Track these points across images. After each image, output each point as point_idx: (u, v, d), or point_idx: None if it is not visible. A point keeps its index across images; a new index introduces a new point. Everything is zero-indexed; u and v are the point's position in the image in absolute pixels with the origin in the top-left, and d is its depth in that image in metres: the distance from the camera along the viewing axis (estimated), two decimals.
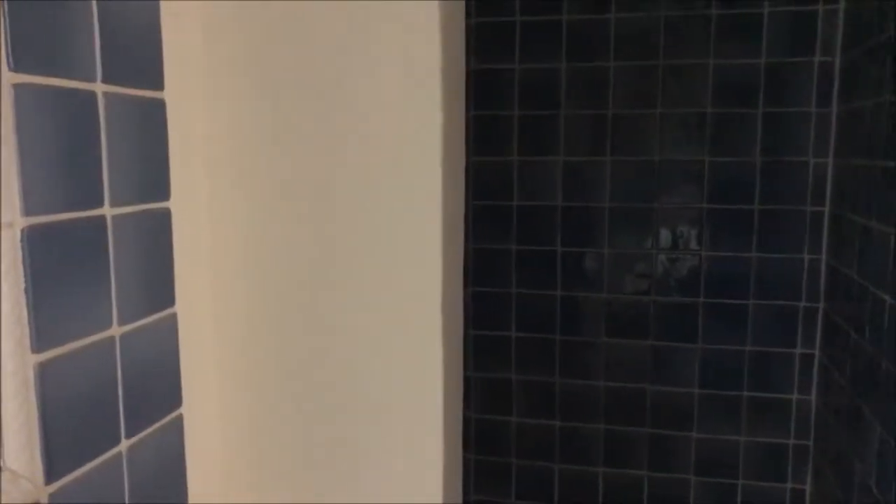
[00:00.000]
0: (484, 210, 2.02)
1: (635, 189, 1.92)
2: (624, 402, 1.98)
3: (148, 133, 0.72)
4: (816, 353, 1.86)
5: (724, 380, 1.92)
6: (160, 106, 0.74)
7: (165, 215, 0.76)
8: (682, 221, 1.91)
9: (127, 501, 0.69)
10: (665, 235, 1.92)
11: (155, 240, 0.74)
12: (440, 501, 0.87)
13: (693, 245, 1.90)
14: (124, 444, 0.69)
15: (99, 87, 0.65)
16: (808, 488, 1.90)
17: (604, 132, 1.92)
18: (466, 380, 2.07)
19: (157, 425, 0.74)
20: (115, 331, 0.68)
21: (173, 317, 0.77)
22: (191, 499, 0.82)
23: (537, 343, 2.02)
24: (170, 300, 0.77)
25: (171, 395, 0.77)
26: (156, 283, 0.74)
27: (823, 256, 1.83)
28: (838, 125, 1.78)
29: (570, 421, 2.02)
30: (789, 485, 1.92)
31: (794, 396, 1.89)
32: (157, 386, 0.74)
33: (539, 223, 1.99)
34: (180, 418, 0.79)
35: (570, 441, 2.03)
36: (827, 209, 1.82)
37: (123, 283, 0.69)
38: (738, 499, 1.94)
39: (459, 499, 0.98)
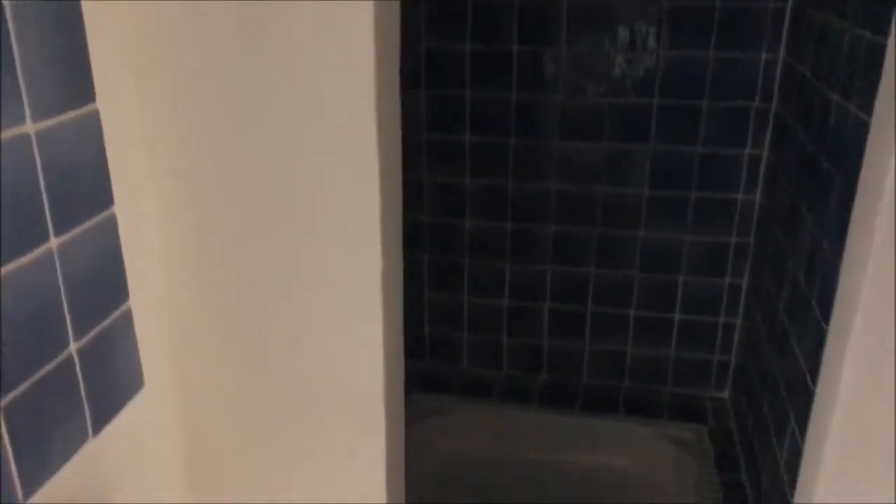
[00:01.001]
0: (438, 6, 1.92)
1: None
2: (575, 203, 2.02)
3: None
4: (765, 153, 1.89)
5: (674, 180, 1.96)
6: None
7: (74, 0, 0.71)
8: (641, 18, 1.84)
9: (63, 297, 0.70)
10: (623, 34, 1.86)
11: (64, 29, 0.69)
12: (380, 299, 0.89)
13: (651, 44, 1.85)
14: (54, 242, 0.69)
15: None
16: (744, 283, 2.01)
17: None
18: (420, 184, 2.08)
19: (88, 224, 0.73)
20: (30, 127, 0.65)
21: (95, 114, 0.74)
22: (132, 296, 0.83)
23: (491, 146, 2.01)
24: (89, 96, 0.73)
25: (100, 194, 0.76)
26: (70, 77, 0.70)
27: (781, 55, 1.81)
28: None
29: (522, 222, 2.07)
30: (727, 280, 2.02)
31: (740, 196, 1.94)
32: (83, 184, 0.73)
33: (495, 20, 1.91)
34: (113, 217, 0.78)
35: (522, 241, 2.09)
36: (789, 4, 1.77)
37: (32, 77, 0.65)
38: (679, 293, 2.05)
39: (400, 293, 1.01)
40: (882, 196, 0.74)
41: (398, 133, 0.92)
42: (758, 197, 1.93)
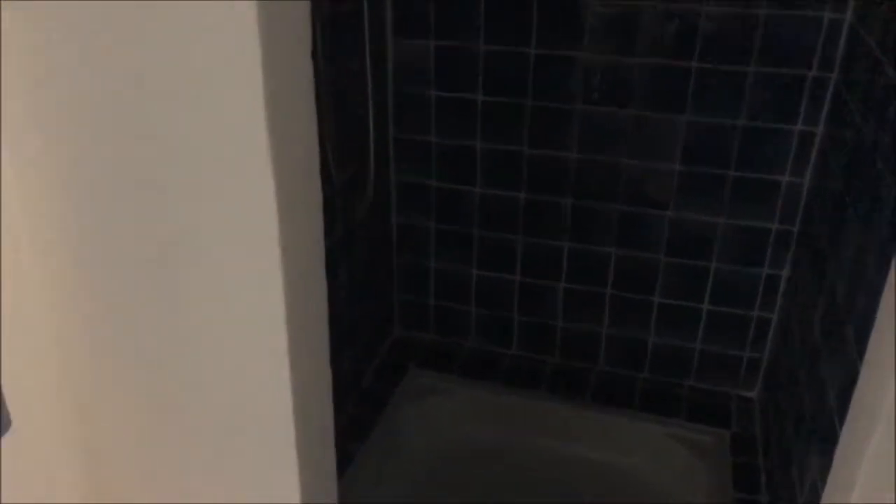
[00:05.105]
0: None
1: None
2: (596, 175, 1.80)
3: None
4: (819, 131, 1.62)
5: (711, 156, 1.71)
6: None
7: None
8: None
9: None
10: None
11: None
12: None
13: None
14: None
15: None
16: (783, 275, 1.77)
17: None
18: (427, 145, 1.88)
19: None
20: None
21: None
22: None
23: (506, 108, 1.79)
24: None
25: None
26: None
27: (847, 16, 1.52)
28: None
29: (537, 194, 1.86)
30: (766, 270, 1.78)
31: (786, 178, 1.68)
32: None
33: None
34: None
35: (535, 215, 1.88)
36: None
37: None
38: (710, 281, 1.83)
39: (324, 311, 0.85)
40: None
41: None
42: (807, 181, 1.67)
